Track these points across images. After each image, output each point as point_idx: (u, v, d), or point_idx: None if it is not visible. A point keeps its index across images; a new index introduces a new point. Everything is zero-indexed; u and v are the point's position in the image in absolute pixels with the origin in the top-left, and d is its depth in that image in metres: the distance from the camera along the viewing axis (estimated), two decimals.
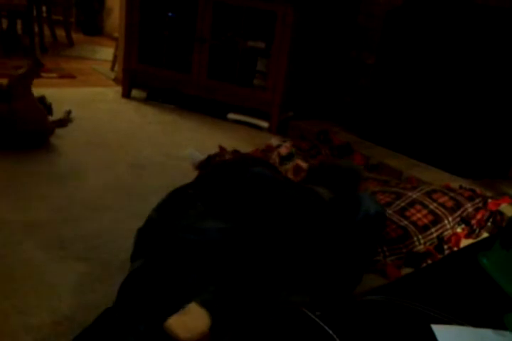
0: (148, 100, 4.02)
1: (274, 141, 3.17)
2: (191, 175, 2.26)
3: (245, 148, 3.05)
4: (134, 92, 4.07)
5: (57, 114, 3.15)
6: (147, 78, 3.95)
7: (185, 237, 1.54)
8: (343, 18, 3.74)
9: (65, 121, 3.21)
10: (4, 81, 2.80)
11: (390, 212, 2.24)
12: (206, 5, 3.54)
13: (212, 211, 1.65)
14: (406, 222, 2.18)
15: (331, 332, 0.81)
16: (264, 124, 3.60)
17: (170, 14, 3.88)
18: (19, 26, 5.43)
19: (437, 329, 0.93)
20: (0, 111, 2.67)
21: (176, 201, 1.69)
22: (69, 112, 3.30)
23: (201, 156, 2.74)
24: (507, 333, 0.96)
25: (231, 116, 3.73)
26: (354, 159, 2.98)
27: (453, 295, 1.07)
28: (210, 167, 2.02)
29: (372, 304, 0.98)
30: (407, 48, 3.04)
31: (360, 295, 1.03)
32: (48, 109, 3.10)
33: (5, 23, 5.39)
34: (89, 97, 3.91)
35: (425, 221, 2.20)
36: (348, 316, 0.93)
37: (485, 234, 2.31)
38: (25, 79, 2.80)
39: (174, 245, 1.54)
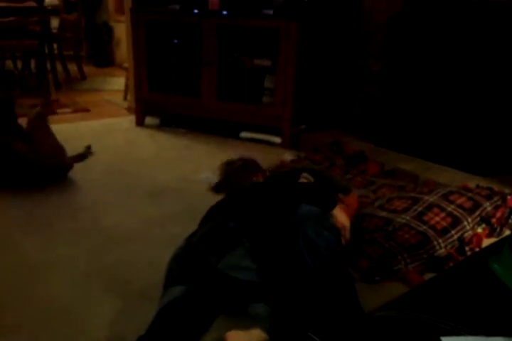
0: (162, 126, 4.08)
1: (288, 155, 3.19)
2: (208, 199, 2.29)
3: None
4: (148, 120, 4.14)
5: (75, 149, 3.23)
6: (159, 105, 4.02)
7: (234, 276, 1.58)
8: (346, 28, 3.76)
9: (83, 156, 3.29)
10: (23, 120, 2.91)
11: (407, 218, 2.23)
12: (210, 29, 3.61)
13: (254, 248, 1.66)
14: (425, 227, 2.17)
15: None
16: (277, 140, 3.63)
17: (175, 41, 3.96)
18: (33, 65, 5.59)
19: None
20: (20, 149, 2.76)
21: (221, 236, 1.70)
22: (89, 147, 3.40)
23: (216, 178, 2.76)
24: None
25: (243, 134, 3.77)
26: (368, 167, 2.98)
27: (464, 304, 1.07)
28: (239, 189, 2.01)
29: (382, 320, 0.99)
30: (412, 52, 3.05)
31: (370, 312, 1.04)
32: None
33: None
34: (104, 129, 4.00)
35: (444, 224, 2.19)
36: (357, 336, 0.94)
37: (507, 232, 2.28)
38: (41, 118, 2.89)
39: (223, 282, 1.59)
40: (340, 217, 1.93)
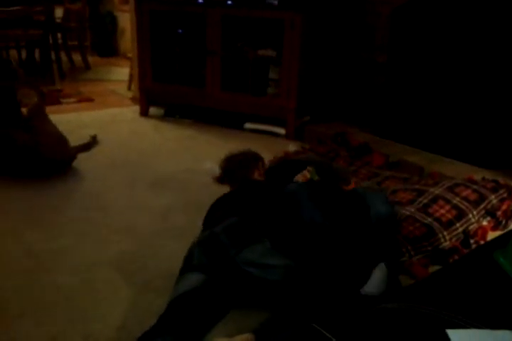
0: (166, 117, 4.07)
1: (292, 147, 3.18)
2: (212, 189, 2.29)
3: (264, 156, 3.04)
4: (152, 110, 4.13)
5: (80, 138, 3.23)
6: (163, 95, 4.01)
7: (248, 271, 1.59)
8: (351, 19, 3.73)
9: (88, 145, 3.28)
10: (24, 110, 2.90)
11: (412, 210, 2.22)
12: (214, 18, 3.59)
13: (277, 247, 1.67)
14: (430, 219, 2.15)
15: None
16: (281, 131, 3.62)
17: (180, 31, 3.94)
18: (37, 55, 5.57)
19: (453, 334, 0.92)
20: (23, 140, 2.75)
21: (246, 232, 1.71)
22: (94, 137, 3.39)
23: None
24: None
25: (248, 125, 3.76)
26: (373, 158, 2.96)
27: (470, 296, 1.06)
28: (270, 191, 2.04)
29: (386, 312, 0.98)
30: (418, 43, 3.02)
31: (375, 303, 1.03)
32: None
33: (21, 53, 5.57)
34: (109, 119, 3.99)
35: (449, 216, 2.17)
36: (362, 327, 0.93)
37: None
38: (40, 107, 2.88)
39: (238, 275, 1.60)
40: None
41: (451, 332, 0.92)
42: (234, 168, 2.27)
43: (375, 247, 1.72)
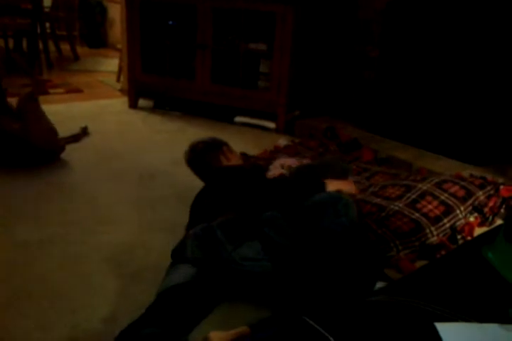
0: (155, 109, 4.05)
1: (282, 141, 3.18)
2: (200, 182, 2.28)
3: (254, 150, 3.07)
4: (141, 102, 4.11)
5: (67, 130, 3.20)
6: (153, 87, 3.98)
7: (245, 266, 1.59)
8: (344, 13, 3.73)
9: (77, 137, 3.26)
10: (14, 100, 2.87)
11: (400, 205, 2.23)
12: (205, 11, 3.56)
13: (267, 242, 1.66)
14: (418, 215, 2.17)
15: (332, 339, 0.82)
16: (271, 125, 3.61)
17: (170, 22, 3.91)
18: (24, 44, 5.51)
19: (441, 327, 0.93)
20: (11, 130, 2.72)
21: (242, 226, 1.70)
22: (85, 128, 3.36)
23: None
24: None
25: (238, 119, 3.75)
26: (362, 154, 2.97)
27: (458, 291, 1.07)
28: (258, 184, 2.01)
29: (375, 305, 0.99)
30: (410, 38, 3.02)
31: (364, 297, 1.04)
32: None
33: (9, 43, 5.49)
34: (98, 110, 3.96)
35: (437, 212, 2.19)
36: (351, 320, 0.94)
37: (499, 222, 2.29)
38: (32, 98, 2.85)
39: (234, 269, 1.60)
40: (337, 184, 1.97)
41: (439, 325, 0.93)
42: (198, 160, 2.23)
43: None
